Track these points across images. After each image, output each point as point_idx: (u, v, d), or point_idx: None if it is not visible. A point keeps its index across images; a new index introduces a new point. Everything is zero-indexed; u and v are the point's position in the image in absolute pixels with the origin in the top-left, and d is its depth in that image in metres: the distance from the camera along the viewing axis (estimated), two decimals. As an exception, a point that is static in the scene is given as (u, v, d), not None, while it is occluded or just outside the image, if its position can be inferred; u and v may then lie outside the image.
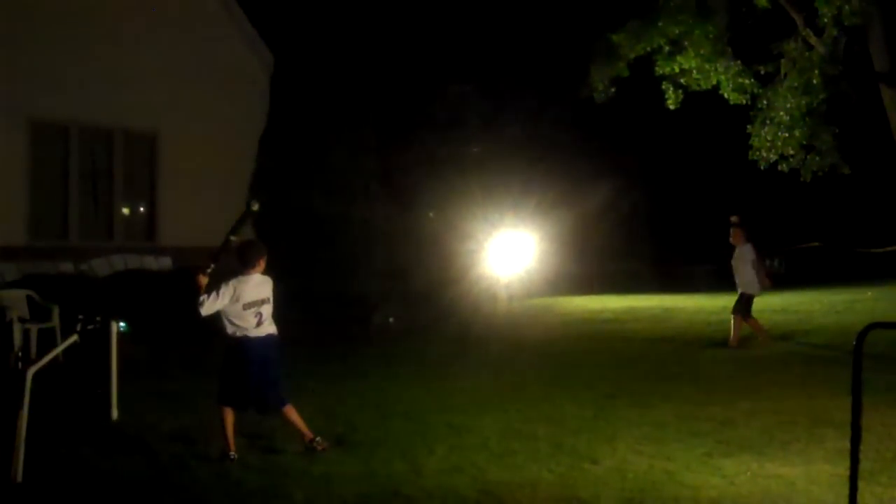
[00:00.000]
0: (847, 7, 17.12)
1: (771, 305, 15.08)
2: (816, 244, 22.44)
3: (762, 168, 18.62)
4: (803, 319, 13.15)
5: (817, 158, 18.26)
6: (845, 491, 3.67)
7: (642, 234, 24.05)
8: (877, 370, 6.91)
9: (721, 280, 20.04)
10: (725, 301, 16.13)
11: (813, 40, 17.74)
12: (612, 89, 18.48)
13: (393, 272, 12.93)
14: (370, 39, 15.41)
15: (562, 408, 7.27)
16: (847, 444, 3.63)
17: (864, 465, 3.89)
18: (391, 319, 12.26)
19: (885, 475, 5.09)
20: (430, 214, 14.29)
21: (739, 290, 10.88)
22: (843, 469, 3.73)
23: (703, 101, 18.87)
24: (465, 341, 11.36)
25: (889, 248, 20.36)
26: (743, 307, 10.77)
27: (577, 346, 11.38)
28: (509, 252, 14.38)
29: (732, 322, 10.87)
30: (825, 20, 17.16)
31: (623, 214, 23.46)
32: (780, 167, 18.57)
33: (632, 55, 18.12)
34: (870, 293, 16.53)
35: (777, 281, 20.72)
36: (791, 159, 18.35)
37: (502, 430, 6.48)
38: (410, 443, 6.12)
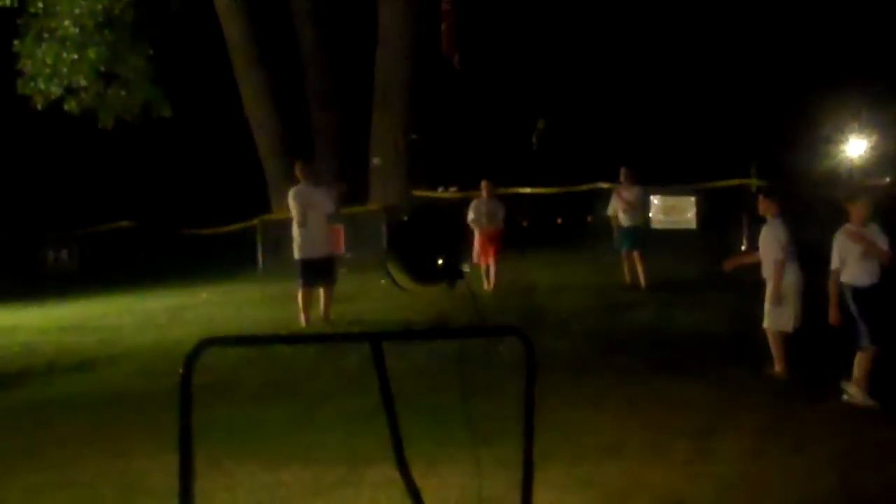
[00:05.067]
0: None
1: (60, 322, 12.04)
2: (127, 223, 18.27)
3: (40, 108, 13.99)
4: (108, 340, 10.44)
5: (123, 93, 14.89)
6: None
7: None
8: (206, 405, 4.65)
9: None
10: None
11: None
12: None
13: None
14: None
15: None
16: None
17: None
18: None
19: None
20: None
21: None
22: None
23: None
24: None
25: (225, 228, 17.49)
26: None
27: None
28: None
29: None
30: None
31: None
32: (66, 107, 14.41)
33: None
34: (204, 294, 14.20)
35: (63, 281, 16.40)
36: (84, 94, 14.31)
37: None
38: None
